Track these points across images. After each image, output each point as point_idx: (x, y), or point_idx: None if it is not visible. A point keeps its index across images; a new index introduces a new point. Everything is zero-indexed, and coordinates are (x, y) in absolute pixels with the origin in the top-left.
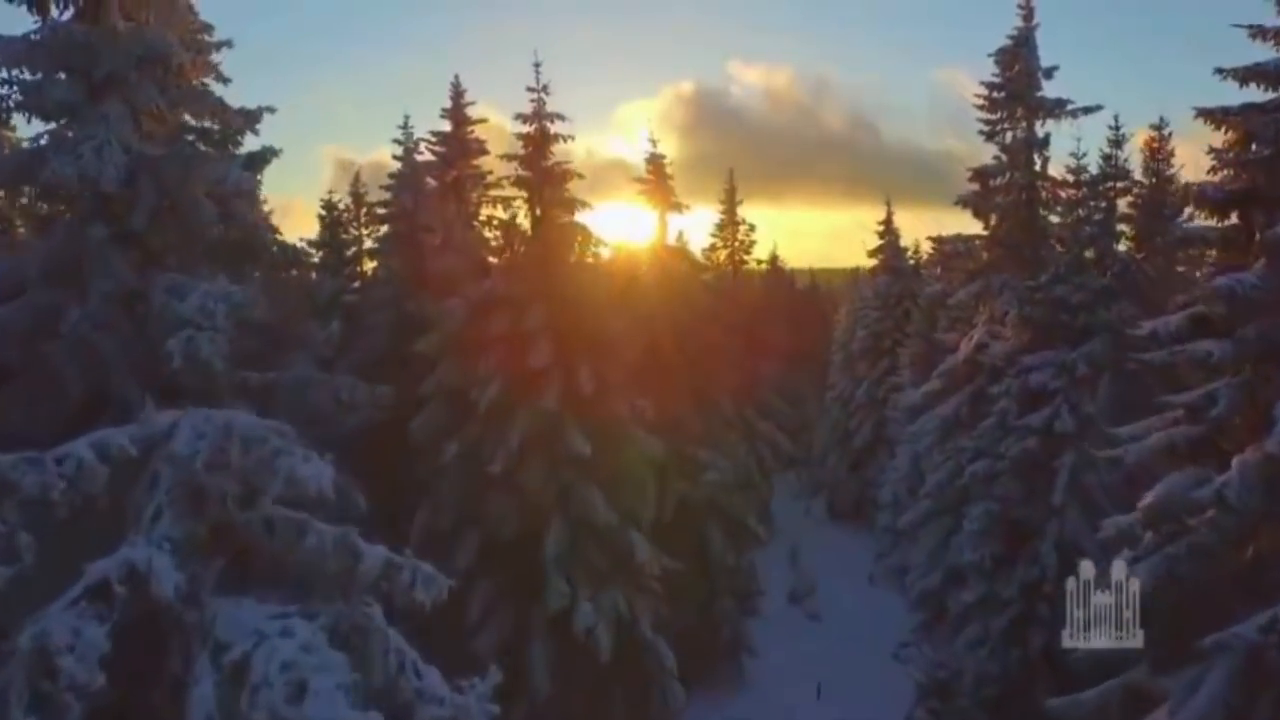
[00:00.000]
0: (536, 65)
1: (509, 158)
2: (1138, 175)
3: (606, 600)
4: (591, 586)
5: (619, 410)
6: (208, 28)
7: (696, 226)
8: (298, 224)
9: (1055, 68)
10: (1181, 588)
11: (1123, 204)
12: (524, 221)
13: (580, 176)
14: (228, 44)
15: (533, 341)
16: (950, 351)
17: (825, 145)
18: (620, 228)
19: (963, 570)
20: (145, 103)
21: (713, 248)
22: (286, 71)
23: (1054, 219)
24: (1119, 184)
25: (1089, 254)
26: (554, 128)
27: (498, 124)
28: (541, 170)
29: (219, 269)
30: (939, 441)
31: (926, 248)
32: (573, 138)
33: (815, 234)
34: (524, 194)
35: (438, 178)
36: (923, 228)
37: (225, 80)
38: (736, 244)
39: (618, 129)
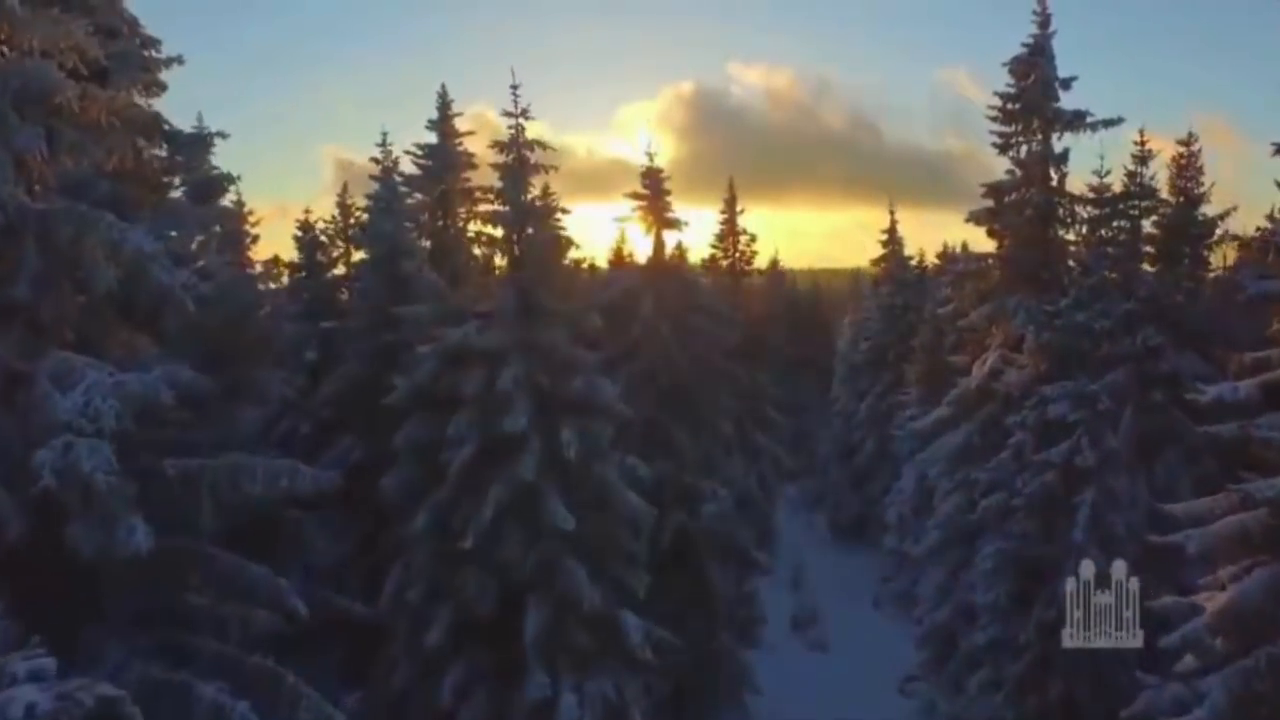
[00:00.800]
0: (514, 87)
1: (485, 190)
2: (1163, 193)
3: (593, 688)
4: (576, 673)
5: (607, 474)
6: (154, 42)
7: (697, 230)
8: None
9: (1074, 78)
10: (1264, 708)
11: (1146, 223)
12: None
13: (565, 211)
14: (178, 60)
15: (509, 402)
16: (960, 373)
17: (826, 145)
18: (619, 228)
19: (974, 608)
20: (27, 147)
21: (713, 258)
22: (287, 71)
23: (1072, 238)
24: (1144, 203)
25: (1112, 276)
26: (534, 158)
27: (496, 125)
28: (521, 206)
29: (132, 338)
30: (948, 470)
31: (931, 254)
32: (556, 168)
33: (816, 234)
34: (502, 231)
35: (423, 193)
36: (924, 229)
37: (151, 122)
38: (737, 255)
39: (618, 130)
